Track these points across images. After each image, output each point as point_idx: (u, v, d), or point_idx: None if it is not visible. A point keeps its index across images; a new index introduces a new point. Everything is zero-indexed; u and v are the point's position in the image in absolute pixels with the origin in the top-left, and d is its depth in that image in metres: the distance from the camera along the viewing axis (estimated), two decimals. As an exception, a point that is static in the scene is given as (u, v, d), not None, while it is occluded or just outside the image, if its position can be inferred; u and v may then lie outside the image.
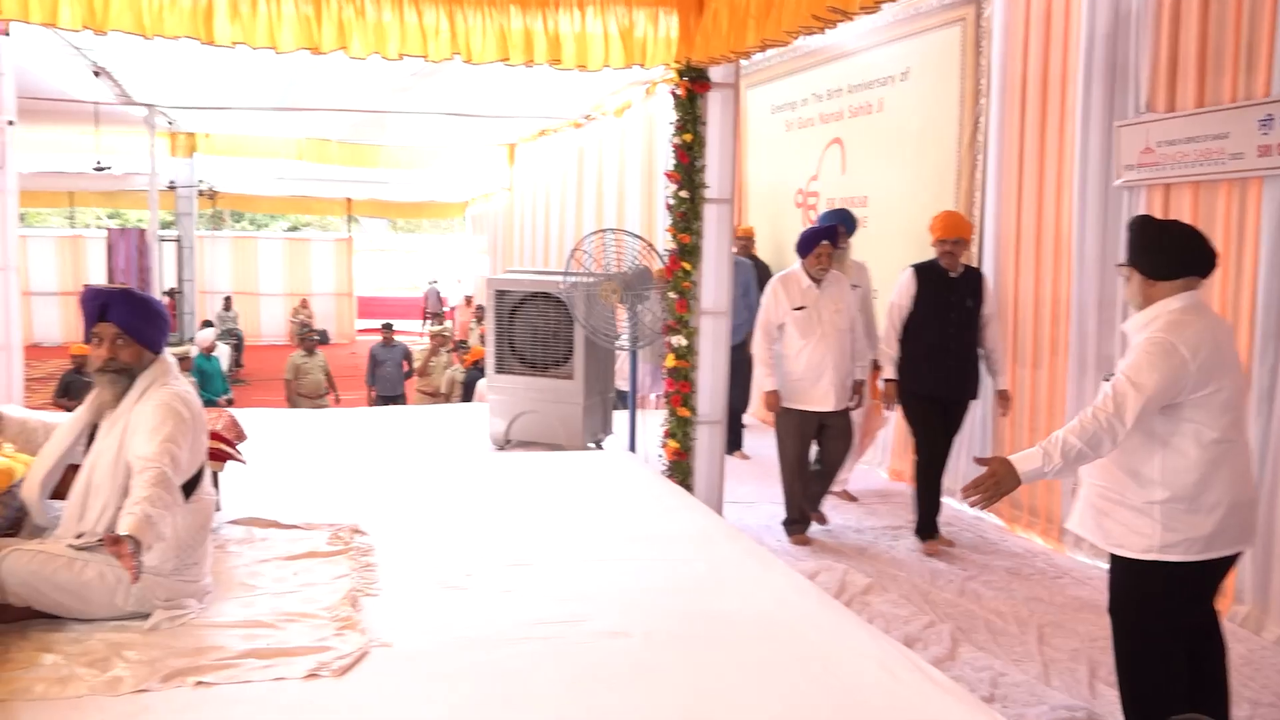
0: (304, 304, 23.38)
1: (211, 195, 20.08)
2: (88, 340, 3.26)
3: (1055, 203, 6.19)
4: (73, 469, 3.29)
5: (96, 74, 8.71)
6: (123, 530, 2.73)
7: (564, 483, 5.09)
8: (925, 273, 6.01)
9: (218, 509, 3.77)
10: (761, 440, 8.48)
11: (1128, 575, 3.41)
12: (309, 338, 12.28)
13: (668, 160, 6.06)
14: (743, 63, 5.92)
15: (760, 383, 6.25)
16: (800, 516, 6.26)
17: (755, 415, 9.04)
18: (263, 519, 4.07)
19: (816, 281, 6.03)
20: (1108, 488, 3.40)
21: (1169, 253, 3.35)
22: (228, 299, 20.96)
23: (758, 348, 6.18)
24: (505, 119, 13.04)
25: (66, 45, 8.06)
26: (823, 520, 6.46)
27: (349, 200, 24.05)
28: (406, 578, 3.55)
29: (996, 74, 6.66)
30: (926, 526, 6.10)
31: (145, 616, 3.05)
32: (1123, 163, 5.55)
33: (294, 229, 33.05)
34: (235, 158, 14.63)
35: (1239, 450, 3.33)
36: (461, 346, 12.03)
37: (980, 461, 3.34)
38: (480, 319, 16.47)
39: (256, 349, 21.51)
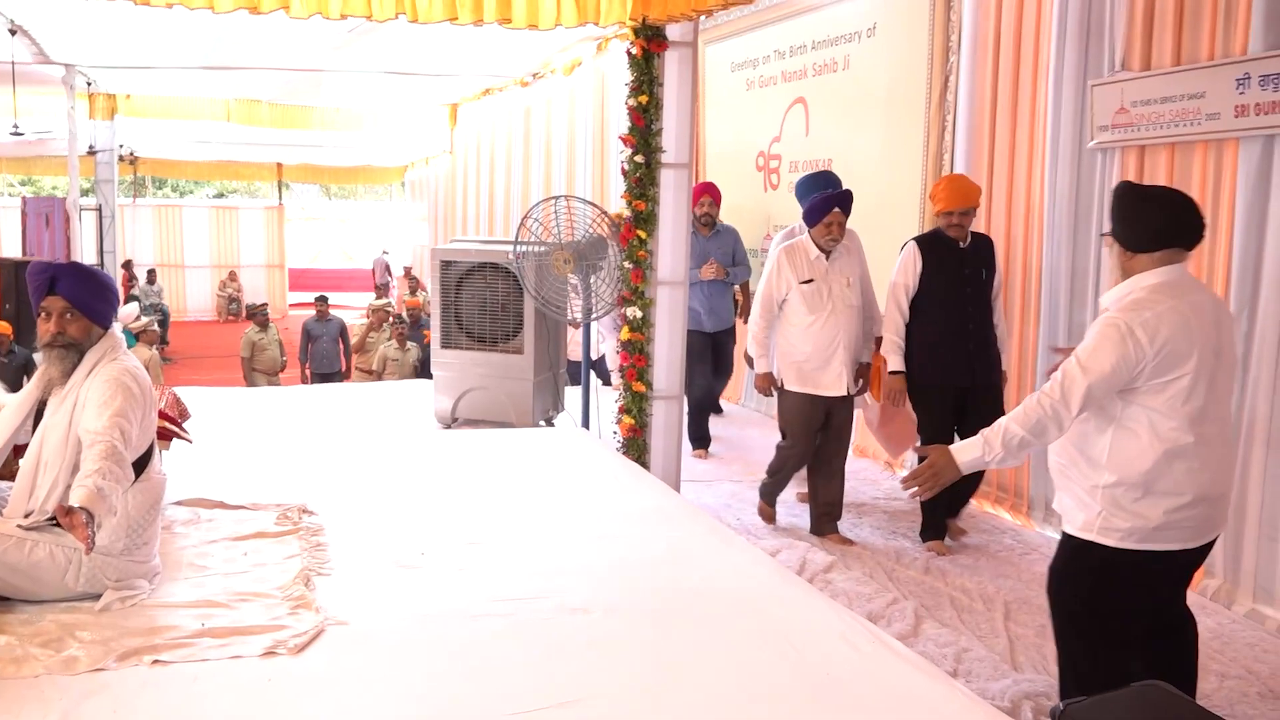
0: (232, 276, 23.30)
1: (133, 160, 19.91)
2: (36, 315, 3.38)
3: (1027, 166, 6.33)
4: (18, 449, 3.42)
5: (13, 32, 8.69)
6: (74, 502, 2.85)
7: (516, 460, 5.24)
8: (931, 246, 5.75)
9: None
10: (736, 432, 8.69)
11: (1065, 550, 3.51)
12: (261, 311, 12.42)
13: (622, 123, 6.20)
14: (702, 19, 6.04)
15: (757, 363, 6.10)
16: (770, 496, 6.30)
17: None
18: (209, 500, 4.20)
19: (826, 253, 5.86)
20: (1063, 462, 3.45)
21: (1146, 222, 3.30)
22: (151, 271, 20.85)
23: (755, 324, 6.08)
24: (447, 77, 13.06)
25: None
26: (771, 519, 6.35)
27: (279, 165, 23.93)
28: (358, 557, 3.70)
29: (968, 30, 6.77)
30: (933, 528, 5.93)
31: (95, 597, 3.18)
32: (1096, 123, 5.70)
33: (220, 196, 32.80)
34: (159, 120, 14.54)
35: (1207, 443, 3.26)
36: (400, 321, 12.13)
37: (919, 451, 3.47)
38: (414, 290, 16.55)
39: (182, 325, 21.43)
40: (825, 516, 6.08)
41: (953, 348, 5.69)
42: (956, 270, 5.69)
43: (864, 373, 6.08)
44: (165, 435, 3.99)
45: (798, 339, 5.88)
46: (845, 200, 5.83)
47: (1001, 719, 2.67)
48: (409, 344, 11.26)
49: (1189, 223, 3.28)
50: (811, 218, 5.85)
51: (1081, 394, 3.19)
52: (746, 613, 3.32)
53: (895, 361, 5.80)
